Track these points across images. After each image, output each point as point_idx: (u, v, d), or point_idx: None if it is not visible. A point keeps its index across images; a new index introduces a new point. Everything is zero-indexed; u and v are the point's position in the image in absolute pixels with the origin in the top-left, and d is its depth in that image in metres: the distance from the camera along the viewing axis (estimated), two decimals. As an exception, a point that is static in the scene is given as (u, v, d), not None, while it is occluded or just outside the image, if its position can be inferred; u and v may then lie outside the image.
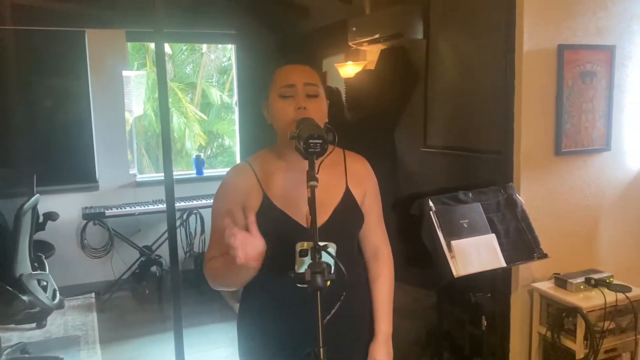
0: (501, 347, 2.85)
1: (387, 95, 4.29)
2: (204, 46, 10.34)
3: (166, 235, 4.68)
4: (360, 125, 4.29)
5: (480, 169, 3.16)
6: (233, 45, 6.12)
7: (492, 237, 2.49)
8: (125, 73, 5.08)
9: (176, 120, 10.11)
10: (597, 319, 2.53)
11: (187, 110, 10.11)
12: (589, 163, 2.86)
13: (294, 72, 1.52)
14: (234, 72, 6.25)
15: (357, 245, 1.64)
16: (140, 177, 5.17)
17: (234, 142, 9.71)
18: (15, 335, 3.93)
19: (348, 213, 1.56)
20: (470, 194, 2.59)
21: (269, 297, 1.55)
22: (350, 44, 4.46)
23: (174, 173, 5.78)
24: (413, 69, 4.09)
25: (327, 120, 1.53)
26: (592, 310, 2.51)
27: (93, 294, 4.74)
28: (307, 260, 1.27)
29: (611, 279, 2.67)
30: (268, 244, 1.52)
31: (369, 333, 1.64)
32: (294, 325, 1.51)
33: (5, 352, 3.51)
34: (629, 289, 2.61)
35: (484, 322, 2.60)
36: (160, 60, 2.16)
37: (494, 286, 2.74)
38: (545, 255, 2.57)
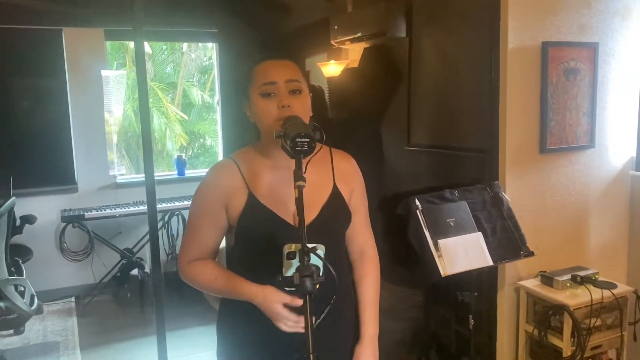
0: (488, 345, 2.84)
1: (370, 94, 4.26)
2: (185, 45, 10.23)
3: (147, 237, 4.60)
4: (343, 124, 4.25)
5: (465, 167, 3.14)
6: (214, 44, 6.06)
7: (479, 235, 2.48)
8: (104, 73, 4.98)
9: (157, 121, 9.99)
10: (584, 316, 2.53)
11: (168, 110, 9.99)
12: (574, 160, 2.87)
13: (274, 68, 1.46)
14: (215, 71, 6.19)
15: (344, 245, 1.61)
16: (120, 179, 5.07)
17: (215, 142, 9.62)
18: (-8, 342, 3.83)
19: (336, 211, 1.52)
20: (457, 193, 2.57)
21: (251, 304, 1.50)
22: (332, 42, 4.42)
23: (155, 174, 5.70)
24: (396, 67, 4.06)
25: (311, 114, 1.48)
26: (579, 308, 2.51)
27: (73, 299, 4.65)
28: (295, 262, 1.23)
29: (597, 276, 2.68)
30: (254, 243, 1.48)
31: (355, 335, 1.61)
32: (277, 332, 1.46)
33: (-19, 360, 3.41)
34: (615, 286, 2.62)
35: (472, 322, 2.59)
36: (139, 59, 2.10)
37: (480, 285, 2.73)
38: (531, 253, 2.56)
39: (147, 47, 9.98)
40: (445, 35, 3.40)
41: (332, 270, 1.17)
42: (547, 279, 2.67)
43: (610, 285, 2.61)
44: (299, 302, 1.29)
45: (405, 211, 2.46)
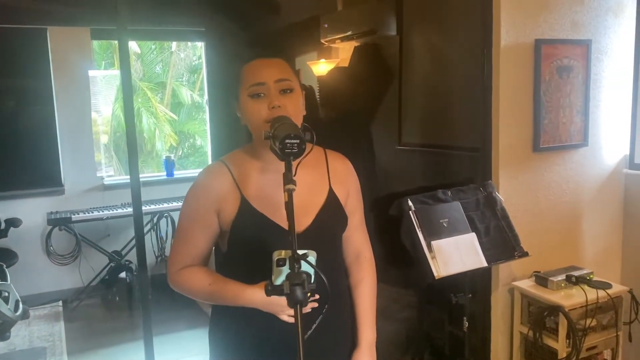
0: (482, 347, 2.80)
1: (361, 93, 4.22)
2: (174, 45, 10.14)
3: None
4: (334, 124, 4.20)
5: (458, 166, 3.10)
6: (204, 43, 5.98)
7: (473, 236, 2.44)
8: (92, 73, 4.90)
9: (146, 121, 9.89)
10: (579, 317, 2.49)
11: (157, 110, 9.89)
12: (567, 159, 2.84)
13: (263, 68, 1.40)
14: (204, 70, 6.11)
15: (340, 249, 1.56)
16: (108, 180, 4.99)
17: (205, 142, 9.54)
18: (-24, 349, 3.75)
19: (332, 215, 1.47)
20: (450, 193, 2.53)
21: (243, 310, 1.45)
22: (322, 41, 4.37)
23: (144, 175, 5.62)
24: (387, 65, 4.02)
25: (305, 113, 1.43)
26: (574, 308, 2.48)
27: (60, 303, 4.56)
28: (285, 270, 1.17)
29: (591, 276, 2.65)
30: (247, 249, 1.43)
31: (351, 340, 1.56)
32: (271, 337, 1.42)
33: (-35, 367, 3.33)
34: (610, 286, 2.59)
35: (466, 323, 2.55)
36: (124, 58, 2.04)
37: (474, 286, 2.69)
38: (525, 254, 2.53)
39: (135, 46, 9.88)
40: (437, 33, 3.36)
41: (324, 279, 1.12)
42: (542, 280, 2.64)
43: (605, 285, 2.58)
44: None
45: (398, 212, 2.42)
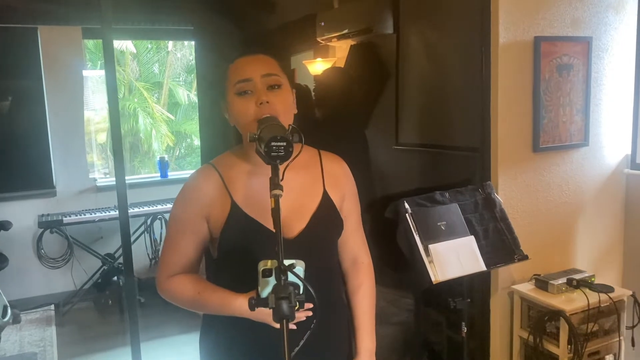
0: (481, 352, 2.73)
1: (357, 92, 4.15)
2: (170, 44, 10.08)
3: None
4: (330, 123, 4.14)
5: (456, 166, 3.03)
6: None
7: (471, 239, 2.37)
8: (89, 72, 4.83)
9: (142, 121, 9.82)
10: (581, 322, 2.43)
11: (154, 110, 9.82)
12: (567, 159, 2.77)
13: (248, 64, 1.34)
14: (198, 70, 6.04)
15: (336, 255, 1.49)
16: (101, 182, 4.91)
17: (202, 142, 9.46)
18: (-35, 355, 3.68)
19: (327, 219, 1.40)
20: (447, 194, 2.46)
21: (233, 318, 1.38)
22: (318, 39, 4.30)
23: (138, 176, 5.55)
24: (383, 64, 3.95)
25: (296, 112, 1.36)
26: (575, 313, 2.41)
27: (52, 307, 4.48)
28: (272, 281, 1.11)
29: (593, 279, 2.58)
30: (238, 255, 1.36)
31: (350, 349, 1.49)
32: (263, 346, 1.35)
33: (-47, 374, 3.26)
34: (612, 289, 2.52)
35: (464, 329, 2.48)
36: (108, 58, 1.97)
37: (472, 289, 2.63)
38: (525, 257, 2.46)
39: (131, 46, 9.81)
40: (434, 31, 3.29)
41: (313, 293, 1.05)
42: (542, 283, 2.57)
43: (607, 289, 2.52)
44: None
45: (394, 214, 2.35)
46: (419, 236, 2.28)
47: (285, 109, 1.32)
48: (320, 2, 4.36)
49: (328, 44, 4.40)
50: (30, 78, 4.49)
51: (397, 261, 2.40)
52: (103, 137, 9.00)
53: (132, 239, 4.46)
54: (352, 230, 1.51)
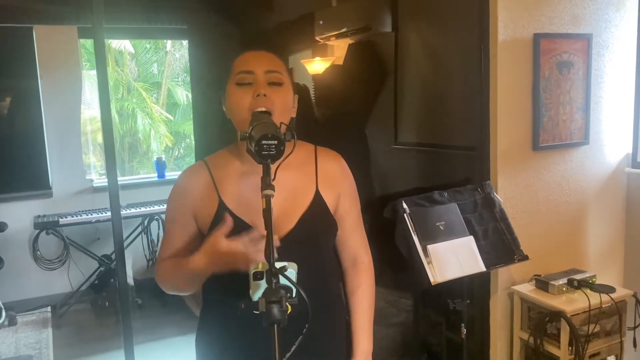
0: (481, 353, 2.70)
1: (356, 91, 4.12)
2: (169, 44, 10.05)
3: (127, 243, 4.43)
4: (329, 123, 4.10)
5: (455, 166, 3.00)
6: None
7: (470, 239, 2.33)
8: (84, 72, 4.79)
9: (141, 121, 9.79)
10: (582, 323, 2.39)
11: (152, 110, 9.80)
12: (567, 158, 2.73)
13: (253, 58, 1.33)
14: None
15: (331, 256, 1.45)
16: (97, 182, 4.88)
17: (201, 142, 9.43)
18: (-39, 357, 3.64)
19: (317, 221, 1.36)
20: (446, 194, 2.43)
21: (228, 320, 1.35)
22: (317, 38, 4.26)
23: (137, 176, 5.51)
24: (382, 63, 3.92)
25: (294, 115, 1.33)
26: (576, 314, 2.38)
27: (49, 308, 4.45)
28: (263, 284, 1.07)
29: (594, 279, 2.54)
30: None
31: (346, 351, 1.46)
32: (258, 347, 1.32)
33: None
34: (613, 290, 2.49)
35: (464, 330, 2.44)
36: (100, 57, 1.93)
37: (472, 290, 2.59)
38: (525, 257, 2.43)
39: (130, 47, 9.77)
40: (433, 29, 3.26)
41: (305, 297, 1.01)
42: (542, 284, 2.53)
43: (608, 289, 2.48)
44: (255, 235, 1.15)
45: (392, 214, 2.31)
46: (418, 236, 2.25)
47: (282, 107, 1.30)
48: (318, 1, 4.33)
49: (327, 42, 4.36)
50: (25, 78, 4.45)
51: (395, 262, 2.37)
52: (101, 137, 8.96)
53: (129, 240, 4.44)
54: (351, 229, 1.47)
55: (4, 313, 3.16)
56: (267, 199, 1.08)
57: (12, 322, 4.02)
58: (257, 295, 1.09)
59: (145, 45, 10.08)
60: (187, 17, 3.63)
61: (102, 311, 4.43)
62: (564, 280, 2.51)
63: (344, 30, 3.93)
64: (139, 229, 4.58)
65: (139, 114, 9.78)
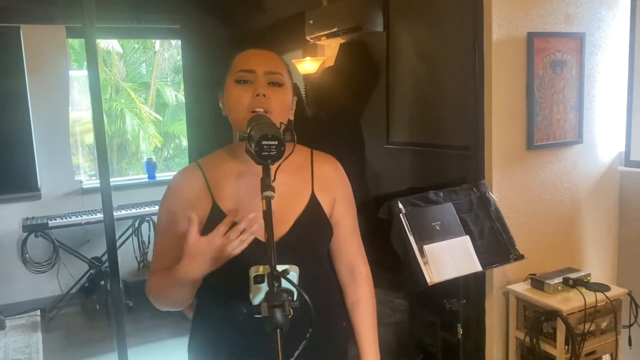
0: (476, 353, 2.69)
1: (347, 91, 4.10)
2: (157, 44, 9.97)
3: (118, 244, 4.38)
4: (321, 123, 4.08)
5: (448, 166, 2.99)
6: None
7: (466, 239, 2.33)
8: (75, 73, 4.73)
9: (129, 122, 9.71)
10: (577, 321, 2.39)
11: (141, 111, 9.72)
12: (561, 157, 2.74)
13: (254, 56, 1.30)
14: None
15: (326, 261, 1.42)
16: (87, 184, 4.82)
17: (191, 143, 9.37)
18: (-52, 363, 3.58)
19: (312, 225, 1.33)
20: (442, 194, 2.42)
21: (222, 325, 1.33)
22: (307, 38, 4.24)
23: (127, 178, 5.45)
24: (374, 63, 3.91)
25: (292, 118, 1.31)
26: (572, 313, 2.38)
27: (38, 312, 4.38)
28: (264, 287, 1.05)
29: (589, 278, 2.55)
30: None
31: (344, 356, 1.44)
32: (253, 353, 1.30)
33: None
34: (608, 288, 2.50)
35: (460, 330, 2.43)
36: (91, 57, 1.90)
37: (467, 290, 2.58)
38: (521, 257, 2.42)
39: (118, 46, 9.68)
40: (426, 28, 3.25)
41: (308, 300, 0.99)
42: (538, 283, 2.53)
43: (603, 288, 2.49)
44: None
45: (388, 215, 2.30)
46: (414, 237, 2.23)
47: (281, 108, 1.27)
48: (309, 0, 4.31)
49: (317, 42, 4.34)
50: (13, 78, 4.38)
51: (390, 262, 2.35)
52: (90, 139, 8.88)
53: (120, 242, 4.39)
54: (346, 235, 1.44)
55: (-8, 317, 3.10)
56: (268, 201, 1.06)
57: (0, 326, 3.96)
58: (257, 298, 1.07)
59: (133, 45, 9.99)
60: (179, 16, 3.59)
61: (92, 314, 4.37)
62: (559, 279, 2.51)
63: (335, 29, 3.91)
64: (130, 230, 4.53)
65: (127, 114, 9.69)
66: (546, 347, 2.43)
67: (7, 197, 4.37)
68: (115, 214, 4.37)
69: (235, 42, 3.93)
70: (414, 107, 3.46)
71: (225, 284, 1.30)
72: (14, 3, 4.09)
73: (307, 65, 4.35)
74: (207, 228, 1.27)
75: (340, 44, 4.16)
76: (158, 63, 10.26)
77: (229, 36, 3.75)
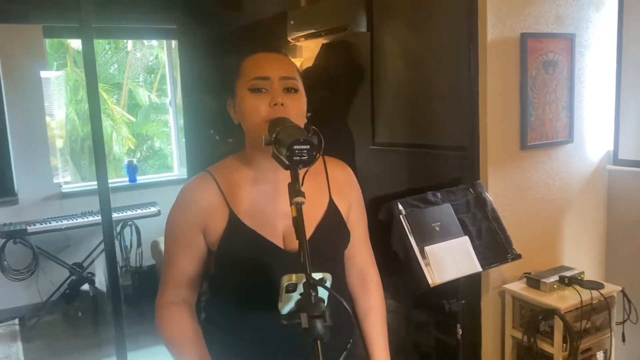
0: (473, 354, 2.70)
1: (329, 92, 4.07)
2: (129, 44, 9.79)
3: (99, 250, 4.28)
4: (307, 123, 4.04)
5: (441, 166, 2.99)
6: (164, 42, 5.73)
7: (466, 239, 2.33)
8: (44, 74, 4.59)
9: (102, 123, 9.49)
10: (574, 319, 2.42)
11: (114, 112, 9.53)
12: (553, 156, 2.76)
13: (267, 62, 1.25)
14: (167, 70, 5.87)
15: (344, 268, 1.40)
16: (66, 188, 4.69)
17: (165, 144, 9.24)
18: None
19: (333, 229, 1.31)
20: (439, 195, 2.41)
21: (237, 338, 1.28)
22: (289, 39, 4.20)
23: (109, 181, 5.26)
24: (357, 63, 3.89)
25: (306, 120, 1.27)
26: (569, 311, 2.40)
27: (17, 321, 4.24)
28: (295, 296, 1.02)
29: (582, 276, 2.58)
30: (237, 270, 1.26)
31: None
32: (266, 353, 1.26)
33: None
34: (602, 286, 2.53)
35: (460, 331, 2.43)
36: (89, 59, 1.83)
37: (463, 290, 2.58)
38: (519, 256, 2.43)
39: (89, 46, 9.48)
40: (415, 29, 3.24)
41: (348, 307, 0.96)
42: (534, 282, 2.55)
43: (597, 285, 2.52)
44: None
45: (387, 216, 2.28)
46: (415, 238, 2.22)
47: (298, 115, 1.23)
48: (289, 1, 4.27)
49: (296, 43, 4.31)
50: (-14, 80, 4.24)
51: (388, 264, 2.33)
52: (60, 143, 8.68)
53: (102, 247, 4.28)
54: (359, 243, 1.42)
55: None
56: (298, 207, 1.03)
57: (-22, 336, 3.82)
58: (287, 308, 1.04)
59: (104, 46, 9.80)
60: (176, 16, 3.50)
61: (75, 322, 4.25)
62: (555, 278, 2.53)
63: (317, 30, 3.88)
64: (111, 235, 4.42)
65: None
66: (543, 346, 2.45)
67: (-17, 203, 4.23)
68: (96, 218, 4.30)
69: (216, 44, 3.86)
70: (402, 108, 3.46)
71: (239, 295, 1.27)
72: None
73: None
74: (225, 238, 1.24)
75: (322, 45, 4.14)
76: (130, 63, 10.08)
77: (217, 35, 3.68)
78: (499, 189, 2.61)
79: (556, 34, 2.66)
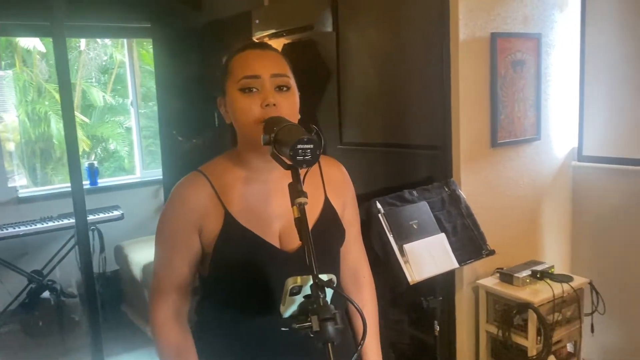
0: (448, 349, 2.73)
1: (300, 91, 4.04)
2: (82, 43, 9.50)
3: (58, 257, 4.13)
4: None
5: (413, 165, 3.01)
6: (125, 40, 5.58)
7: (443, 237, 2.35)
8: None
9: (54, 125, 9.16)
10: (547, 312, 2.47)
11: (67, 113, 9.21)
12: (521, 153, 2.83)
13: (257, 59, 1.22)
14: (127, 70, 5.72)
15: (339, 267, 1.39)
16: (23, 192, 4.50)
17: (121, 146, 9.01)
18: None
19: (330, 228, 1.30)
20: (415, 192, 2.43)
21: (233, 340, 1.26)
22: (254, 38, 4.15)
23: (61, 185, 5.11)
24: (322, 63, 3.87)
25: (299, 117, 1.25)
26: (542, 304, 2.46)
27: (-28, 333, 4.05)
28: (299, 299, 1.00)
29: (552, 270, 2.64)
30: (233, 272, 1.23)
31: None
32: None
33: None
34: (571, 279, 2.60)
35: (437, 327, 2.46)
36: (61, 61, 1.76)
37: (437, 286, 2.61)
38: (492, 252, 2.48)
39: (40, 45, 9.14)
40: (384, 27, 3.25)
41: (359, 309, 0.95)
42: (507, 277, 2.60)
43: (567, 279, 2.59)
44: None
45: (366, 215, 2.28)
46: (393, 236, 2.23)
47: (291, 113, 1.21)
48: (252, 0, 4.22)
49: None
50: None
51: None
52: (12, 146, 8.34)
53: (62, 253, 4.14)
54: (353, 240, 1.42)
55: None
56: (301, 208, 1.01)
57: None
58: (289, 311, 1.02)
59: (56, 45, 9.47)
60: (151, 14, 3.40)
61: (35, 331, 4.07)
62: (527, 272, 2.59)
63: (282, 29, 3.85)
64: (72, 241, 4.27)
65: (52, 117, 9.16)
66: (517, 339, 2.50)
67: None
68: (55, 223, 4.15)
69: (183, 43, 3.77)
70: (372, 108, 3.46)
71: (234, 298, 1.24)
72: None
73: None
74: (221, 239, 1.21)
75: (284, 45, 4.10)
76: (84, 63, 9.78)
77: (175, 37, 3.60)
78: (471, 186, 2.65)
79: (524, 33, 2.72)
